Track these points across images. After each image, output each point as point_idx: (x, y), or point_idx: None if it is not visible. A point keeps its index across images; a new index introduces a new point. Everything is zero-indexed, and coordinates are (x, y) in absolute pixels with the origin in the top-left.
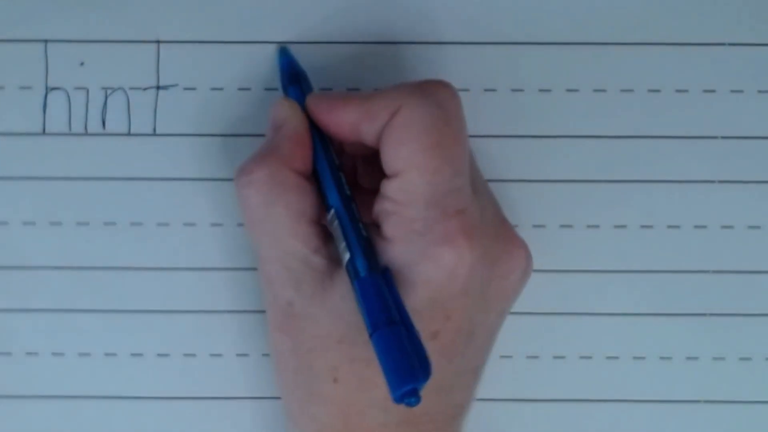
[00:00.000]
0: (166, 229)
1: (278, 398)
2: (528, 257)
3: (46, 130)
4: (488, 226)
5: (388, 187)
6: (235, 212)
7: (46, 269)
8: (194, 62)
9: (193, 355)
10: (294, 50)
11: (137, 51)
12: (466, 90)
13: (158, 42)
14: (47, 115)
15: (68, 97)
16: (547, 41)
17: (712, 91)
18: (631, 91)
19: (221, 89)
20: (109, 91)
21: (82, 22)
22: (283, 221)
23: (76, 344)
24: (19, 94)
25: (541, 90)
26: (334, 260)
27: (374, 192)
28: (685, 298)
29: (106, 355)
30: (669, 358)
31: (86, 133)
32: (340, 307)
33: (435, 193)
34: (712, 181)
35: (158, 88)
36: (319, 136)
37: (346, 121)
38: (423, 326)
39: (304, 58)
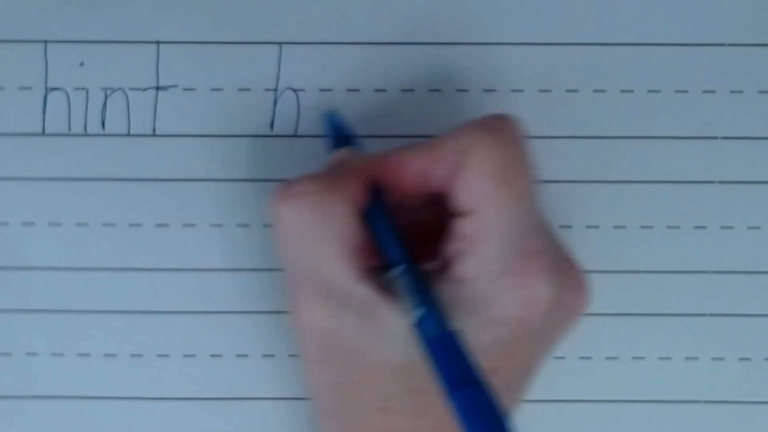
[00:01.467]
0: (165, 230)
1: (278, 399)
2: (590, 297)
3: (46, 131)
4: (561, 268)
5: (462, 227)
6: (235, 213)
7: (46, 270)
8: (194, 63)
9: (193, 355)
10: (294, 50)
11: (137, 51)
12: (465, 91)
13: (158, 42)
14: (47, 115)
15: (68, 97)
16: (547, 41)
17: (712, 91)
18: (631, 91)
19: (221, 90)
20: (108, 92)
21: (82, 23)
22: (327, 243)
23: (76, 344)
24: (19, 95)
25: (541, 90)
26: (381, 290)
27: (425, 241)
28: (684, 298)
29: (106, 355)
30: (668, 359)
31: (86, 134)
32: (397, 338)
33: (512, 231)
34: (712, 182)
35: (158, 88)
36: (377, 194)
37: (415, 171)
38: (485, 363)
39: (303, 58)
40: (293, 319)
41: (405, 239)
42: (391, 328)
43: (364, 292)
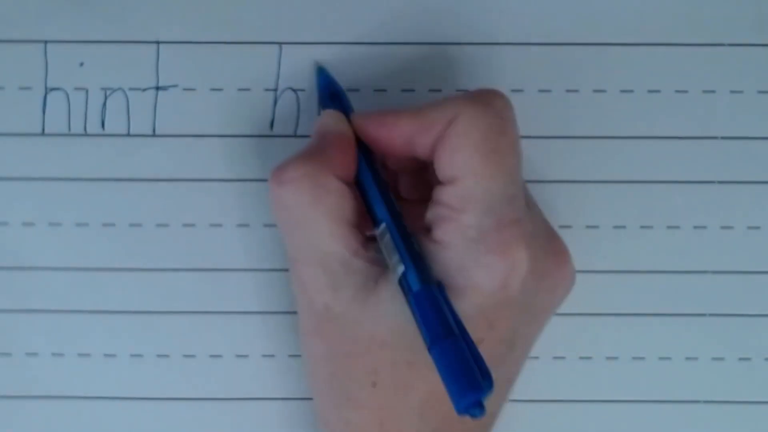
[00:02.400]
0: (165, 230)
1: (278, 399)
2: (574, 271)
3: (46, 131)
4: (540, 238)
5: (443, 193)
6: (235, 213)
7: (46, 270)
8: (194, 63)
9: (193, 356)
10: (294, 50)
11: (137, 52)
12: (465, 91)
13: (158, 43)
14: (47, 115)
15: (68, 97)
16: (547, 41)
17: (712, 91)
18: (631, 91)
19: (221, 90)
20: (108, 92)
21: (81, 23)
22: (323, 222)
23: (76, 345)
24: (19, 95)
25: (540, 90)
26: (374, 264)
27: (416, 203)
28: (684, 298)
29: (106, 355)
30: (669, 359)
31: (86, 134)
32: (384, 310)
33: (491, 200)
34: (712, 182)
35: (158, 88)
36: (363, 151)
37: (400, 134)
38: (468, 332)
39: (303, 58)
40: (295, 293)
41: (392, 196)
42: (380, 300)
43: (360, 265)
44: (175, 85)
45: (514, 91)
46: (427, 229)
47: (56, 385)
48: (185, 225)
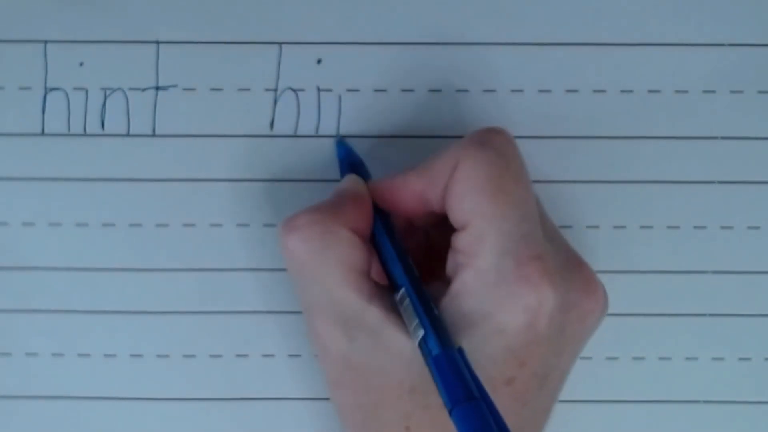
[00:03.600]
0: (165, 230)
1: (278, 399)
2: (605, 299)
3: (45, 131)
4: (564, 270)
5: (458, 241)
6: (235, 213)
7: (46, 270)
8: (194, 63)
9: (193, 356)
10: (294, 50)
11: (136, 51)
12: (465, 91)
13: (157, 42)
14: (46, 115)
15: (67, 97)
16: (547, 41)
17: (712, 91)
18: (631, 91)
19: (221, 90)
20: (108, 92)
21: (81, 23)
22: (334, 270)
23: (76, 345)
24: (18, 95)
25: (540, 90)
26: (389, 310)
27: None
28: (684, 298)
29: (106, 355)
30: (668, 359)
31: (85, 134)
32: (407, 356)
33: (506, 241)
34: (712, 182)
35: (157, 88)
36: (381, 217)
37: (411, 194)
38: (498, 373)
39: (303, 58)
40: (312, 344)
41: (410, 261)
42: (402, 349)
43: (373, 314)
44: (175, 85)
45: (514, 91)
46: (449, 281)
47: (56, 385)
48: (185, 225)
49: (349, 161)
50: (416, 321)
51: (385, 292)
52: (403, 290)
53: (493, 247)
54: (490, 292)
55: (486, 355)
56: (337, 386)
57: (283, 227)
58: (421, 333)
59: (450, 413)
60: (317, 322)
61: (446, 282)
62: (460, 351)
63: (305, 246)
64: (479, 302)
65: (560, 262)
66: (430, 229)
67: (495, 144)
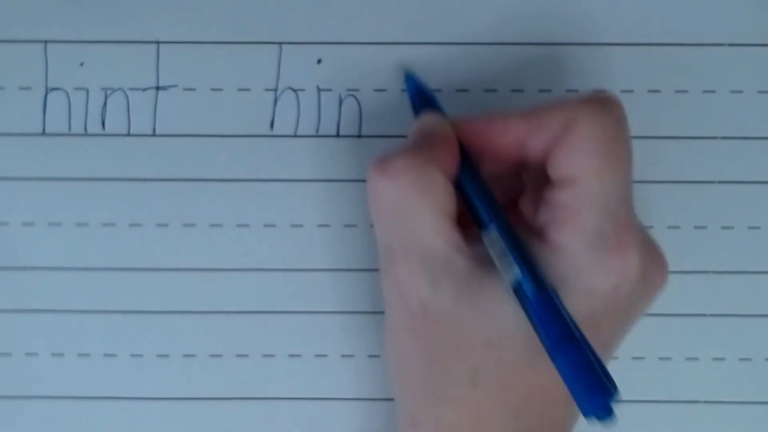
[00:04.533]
0: (165, 230)
1: (278, 399)
2: (667, 278)
3: (46, 131)
4: (647, 243)
5: (561, 195)
6: (235, 213)
7: (46, 270)
8: (194, 63)
9: (193, 355)
10: (294, 50)
11: (137, 52)
12: (465, 91)
13: (158, 43)
14: (47, 115)
15: (68, 97)
16: (547, 41)
17: (712, 91)
18: (631, 91)
19: (221, 90)
20: (108, 92)
21: (82, 23)
22: (427, 216)
23: (76, 345)
24: (19, 95)
25: (541, 90)
26: (478, 262)
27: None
28: (685, 298)
29: (106, 355)
30: (669, 359)
31: (86, 134)
32: (491, 309)
33: (610, 202)
34: (712, 182)
35: (158, 88)
36: (468, 160)
37: (511, 136)
38: None
39: (303, 58)
40: (387, 290)
41: (497, 202)
42: (486, 299)
43: (462, 262)
44: (175, 85)
45: (514, 91)
46: (538, 233)
47: (56, 385)
48: (185, 225)
49: (423, 97)
50: (509, 259)
51: (471, 239)
52: (495, 231)
53: (599, 208)
54: (587, 252)
55: (570, 312)
56: (408, 334)
57: (375, 169)
58: (516, 272)
59: (553, 352)
60: (399, 266)
61: (536, 239)
62: (555, 293)
63: (400, 192)
64: (574, 259)
65: (644, 233)
66: (508, 179)
67: (615, 111)
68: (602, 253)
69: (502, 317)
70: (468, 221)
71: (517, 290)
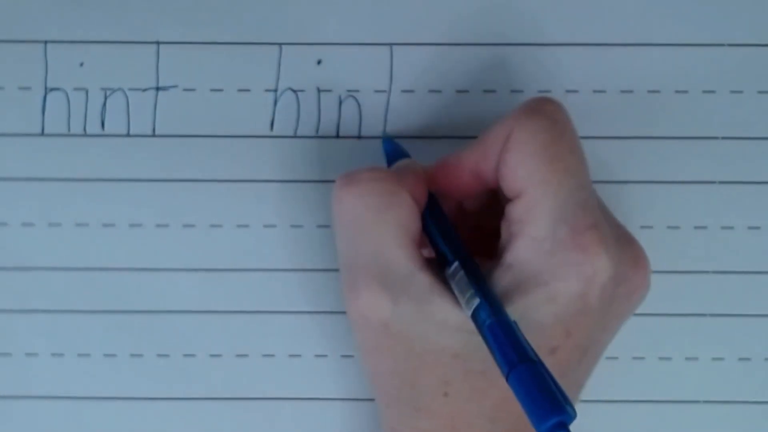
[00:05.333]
0: (165, 231)
1: (278, 399)
2: (650, 277)
3: (45, 131)
4: (617, 242)
5: (512, 209)
6: (235, 213)
7: (46, 270)
8: (194, 63)
9: (193, 355)
10: (294, 50)
11: (137, 52)
12: (465, 91)
13: (158, 43)
14: (46, 115)
15: (67, 97)
16: (547, 41)
17: (712, 91)
18: (631, 91)
19: (221, 90)
20: (108, 92)
21: (81, 23)
22: (391, 231)
23: (76, 345)
24: (19, 95)
25: (540, 91)
26: (437, 279)
27: (487, 242)
28: (685, 298)
29: (106, 355)
30: (668, 359)
31: (85, 134)
32: (453, 323)
33: (562, 208)
34: (712, 182)
35: (158, 89)
36: (432, 200)
37: (465, 168)
38: (544, 341)
39: (304, 58)
40: (349, 308)
41: (460, 239)
42: (448, 316)
43: (422, 280)
44: (175, 86)
45: (513, 91)
46: (501, 253)
47: (56, 385)
48: (185, 225)
49: (397, 155)
50: (470, 291)
51: (433, 264)
52: (456, 264)
53: (549, 215)
54: (545, 260)
55: (534, 322)
56: (374, 352)
57: (341, 180)
58: (475, 302)
59: (507, 377)
60: (360, 283)
61: (497, 259)
62: (514, 321)
63: (364, 201)
64: (532, 270)
65: (613, 233)
66: (481, 212)
67: (548, 112)
68: (562, 259)
69: (464, 328)
70: (428, 245)
71: (475, 316)
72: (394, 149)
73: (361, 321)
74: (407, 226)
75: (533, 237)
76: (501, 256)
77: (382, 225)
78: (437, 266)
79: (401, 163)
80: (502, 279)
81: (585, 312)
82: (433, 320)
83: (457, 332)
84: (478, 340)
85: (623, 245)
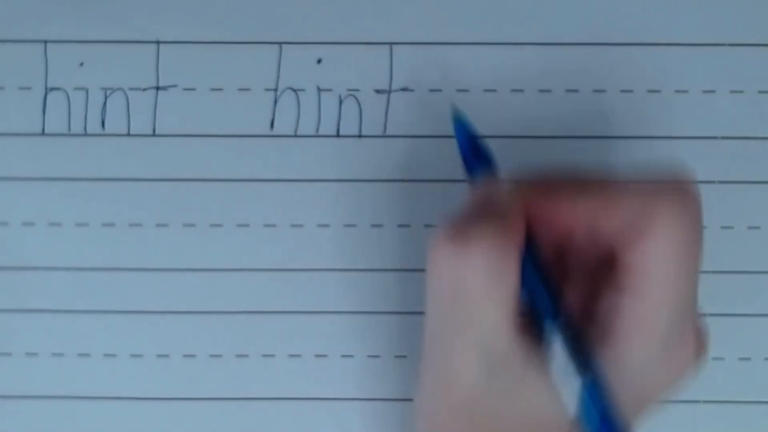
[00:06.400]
0: (165, 230)
1: (278, 399)
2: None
3: (46, 131)
4: (701, 338)
5: (631, 296)
6: (235, 213)
7: (46, 270)
8: (194, 63)
9: (193, 356)
10: (294, 50)
11: (137, 51)
12: (466, 91)
13: (158, 42)
14: (47, 115)
15: (68, 97)
16: (547, 41)
17: (712, 91)
18: (631, 91)
19: (221, 90)
20: (108, 92)
21: (81, 23)
22: (501, 305)
23: (76, 344)
24: (19, 95)
25: (541, 90)
26: (532, 352)
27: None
28: None
29: (106, 355)
30: None
31: (86, 134)
32: (545, 397)
33: (684, 305)
34: (712, 182)
35: (158, 88)
36: (530, 240)
37: (583, 214)
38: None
39: (303, 58)
40: (427, 376)
41: (558, 295)
42: (533, 392)
43: (522, 353)
44: (175, 85)
45: (514, 90)
46: (600, 328)
47: (56, 385)
48: (185, 225)
49: (476, 152)
50: (574, 366)
51: (527, 325)
52: (555, 326)
53: (673, 312)
54: (652, 366)
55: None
56: (449, 421)
57: (452, 242)
58: (581, 381)
59: None
60: (453, 353)
61: (588, 321)
62: (602, 381)
63: (482, 274)
64: (638, 373)
65: (699, 326)
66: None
67: (695, 204)
68: (664, 359)
69: (554, 404)
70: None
71: (579, 397)
72: (468, 139)
73: (443, 388)
74: (511, 306)
75: (651, 334)
76: (607, 340)
77: (489, 299)
78: (530, 326)
79: (490, 192)
80: (605, 363)
81: (660, 399)
82: (525, 393)
83: (547, 406)
84: (551, 420)
85: (701, 334)
